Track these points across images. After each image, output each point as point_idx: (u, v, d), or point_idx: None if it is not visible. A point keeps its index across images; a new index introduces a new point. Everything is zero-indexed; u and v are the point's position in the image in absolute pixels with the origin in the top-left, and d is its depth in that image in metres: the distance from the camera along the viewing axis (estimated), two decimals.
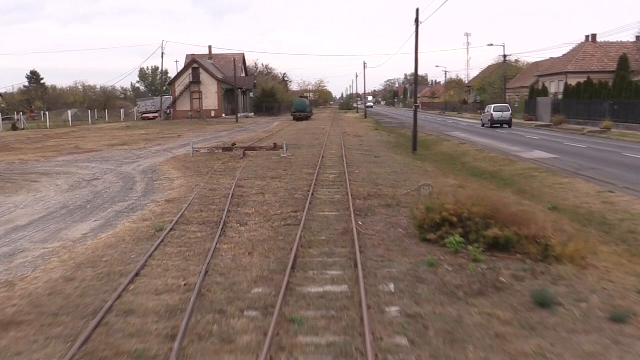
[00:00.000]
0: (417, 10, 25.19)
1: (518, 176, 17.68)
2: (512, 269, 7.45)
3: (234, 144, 24.67)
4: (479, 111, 67.93)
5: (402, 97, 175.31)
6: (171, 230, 9.61)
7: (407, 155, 24.23)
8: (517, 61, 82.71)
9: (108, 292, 6.52)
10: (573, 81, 50.63)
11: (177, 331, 5.30)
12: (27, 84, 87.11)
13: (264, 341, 5.02)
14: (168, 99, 74.87)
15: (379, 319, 5.64)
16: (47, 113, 63.29)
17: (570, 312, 5.91)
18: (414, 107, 27.33)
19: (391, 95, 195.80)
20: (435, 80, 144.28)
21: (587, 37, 60.26)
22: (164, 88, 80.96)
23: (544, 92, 56.87)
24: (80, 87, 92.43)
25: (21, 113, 62.09)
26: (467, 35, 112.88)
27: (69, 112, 66.98)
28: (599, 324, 5.63)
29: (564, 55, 62.50)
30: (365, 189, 13.67)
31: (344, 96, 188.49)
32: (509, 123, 44.32)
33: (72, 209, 12.45)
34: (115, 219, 11.03)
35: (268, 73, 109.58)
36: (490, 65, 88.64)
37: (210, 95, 72.18)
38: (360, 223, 9.89)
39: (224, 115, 70.87)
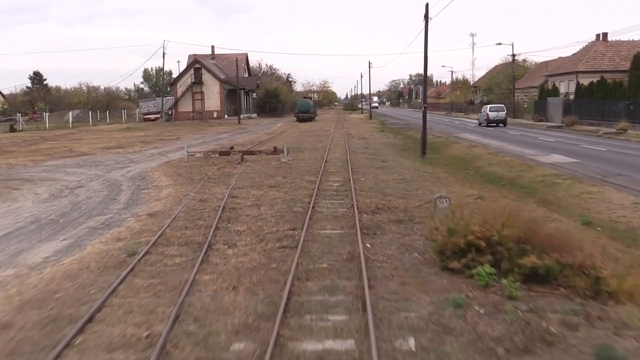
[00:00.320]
0: (427, 5, 23.68)
1: (539, 183, 16.16)
2: (560, 310, 5.97)
3: (231, 148, 23.23)
4: None
5: (407, 97, 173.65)
6: (146, 254, 8.17)
7: (415, 159, 22.74)
8: (524, 61, 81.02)
9: (46, 349, 5.08)
10: (584, 81, 48.98)
11: None
12: (29, 84, 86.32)
13: None
14: (170, 100, 73.57)
15: None
16: (46, 114, 62.16)
17: None
18: (422, 108, 25.80)
19: (396, 95, 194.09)
20: (440, 81, 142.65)
21: (598, 35, 58.53)
22: (167, 89, 79.65)
23: (554, 92, 55.14)
24: (84, 88, 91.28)
25: (19, 114, 60.96)
26: (472, 35, 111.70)
27: (70, 113, 65.74)
28: None
29: (573, 55, 60.77)
30: (372, 200, 12.20)
31: (349, 97, 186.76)
32: (503, 122, 46.55)
33: (43, 224, 11.05)
34: (86, 238, 9.59)
35: (272, 73, 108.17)
36: (497, 65, 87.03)
37: (213, 96, 70.78)
38: (368, 245, 8.42)
39: (226, 116, 69.47)
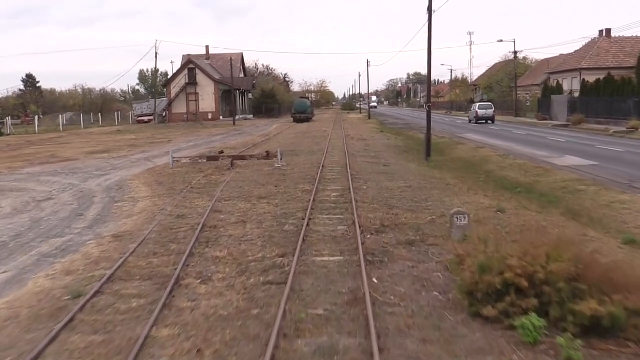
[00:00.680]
0: None
1: (560, 190, 14.51)
2: None
3: (221, 152, 21.53)
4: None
5: (405, 96, 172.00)
6: (96, 294, 6.50)
7: (420, 162, 21.07)
8: (524, 59, 79.32)
9: None
10: (587, 78, 47.37)
11: None
12: (22, 87, 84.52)
13: None
14: (164, 101, 71.81)
15: None
16: (37, 117, 60.45)
17: None
18: (427, 107, 24.17)
19: (394, 95, 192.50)
20: (438, 80, 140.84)
21: (601, 31, 56.90)
22: (164, 89, 77.68)
23: (558, 89, 53.53)
24: (79, 90, 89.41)
25: (8, 118, 59.27)
26: (470, 34, 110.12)
27: (62, 116, 64.00)
28: None
29: (576, 52, 59.07)
30: (376, 215, 10.53)
31: (347, 96, 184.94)
32: (492, 119, 49.28)
33: None
34: (31, 270, 7.90)
35: (269, 74, 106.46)
36: (497, 63, 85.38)
37: (207, 97, 69.00)
38: (374, 280, 6.75)
39: (221, 117, 67.71)
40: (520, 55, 72.66)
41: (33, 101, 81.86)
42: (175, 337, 5.30)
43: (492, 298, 5.67)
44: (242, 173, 17.61)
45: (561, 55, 65.45)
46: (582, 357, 4.79)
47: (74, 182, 17.51)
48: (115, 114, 73.39)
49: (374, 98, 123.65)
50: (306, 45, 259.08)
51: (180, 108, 68.42)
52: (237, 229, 9.79)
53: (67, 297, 6.47)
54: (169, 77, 75.36)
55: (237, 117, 62.32)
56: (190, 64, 69.05)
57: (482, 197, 12.98)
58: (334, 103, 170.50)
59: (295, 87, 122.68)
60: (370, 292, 6.14)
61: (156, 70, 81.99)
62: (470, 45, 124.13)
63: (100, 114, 70.74)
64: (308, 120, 60.39)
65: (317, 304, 6.03)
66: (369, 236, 8.95)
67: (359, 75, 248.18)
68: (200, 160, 20.01)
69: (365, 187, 14.06)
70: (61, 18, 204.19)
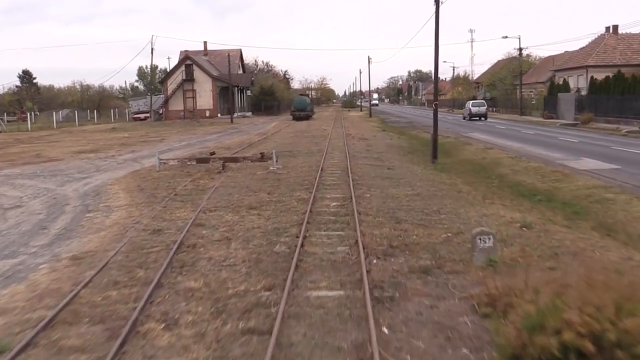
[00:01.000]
0: None
1: (585, 199, 13.02)
2: None
3: (212, 153, 20.03)
4: (492, 108, 63.22)
5: (406, 94, 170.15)
6: (24, 349, 5.02)
7: (426, 165, 19.60)
8: (528, 56, 77.51)
9: None
10: (595, 75, 45.87)
11: None
12: (19, 83, 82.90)
13: None
14: (160, 98, 70.23)
15: None
16: (31, 114, 58.99)
17: None
18: (433, 105, 22.75)
19: (395, 92, 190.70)
20: (439, 77, 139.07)
21: (608, 28, 55.40)
22: (162, 86, 76.03)
23: (565, 87, 51.95)
24: (77, 87, 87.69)
25: (4, 114, 57.88)
26: (471, 31, 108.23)
27: (56, 113, 62.52)
28: None
29: (581, 49, 57.56)
30: (382, 232, 9.06)
31: (347, 94, 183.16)
32: (484, 116, 52.18)
33: None
34: None
35: (268, 70, 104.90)
36: (499, 60, 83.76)
37: (205, 94, 67.38)
38: (385, 329, 5.28)
39: (219, 114, 66.10)
40: (523, 53, 71.19)
41: (29, 97, 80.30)
42: None
43: None
44: (233, 177, 16.12)
45: (566, 52, 63.98)
46: None
47: (50, 186, 16.04)
48: (112, 111, 71.85)
49: (375, 95, 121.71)
50: (306, 42, 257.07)
51: (177, 105, 66.86)
52: (220, 249, 8.31)
53: None
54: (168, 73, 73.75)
55: (235, 115, 60.78)
56: (187, 60, 67.43)
57: (500, 208, 11.50)
58: (334, 100, 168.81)
59: (296, 84, 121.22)
60: (379, 351, 4.66)
61: (154, 67, 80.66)
62: (472, 42, 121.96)
63: (97, 111, 69.19)
64: (308, 118, 58.92)
65: None
66: (374, 261, 7.48)
67: (360, 72, 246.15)
68: (189, 163, 18.52)
69: (368, 195, 12.59)
70: (59, 14, 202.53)
